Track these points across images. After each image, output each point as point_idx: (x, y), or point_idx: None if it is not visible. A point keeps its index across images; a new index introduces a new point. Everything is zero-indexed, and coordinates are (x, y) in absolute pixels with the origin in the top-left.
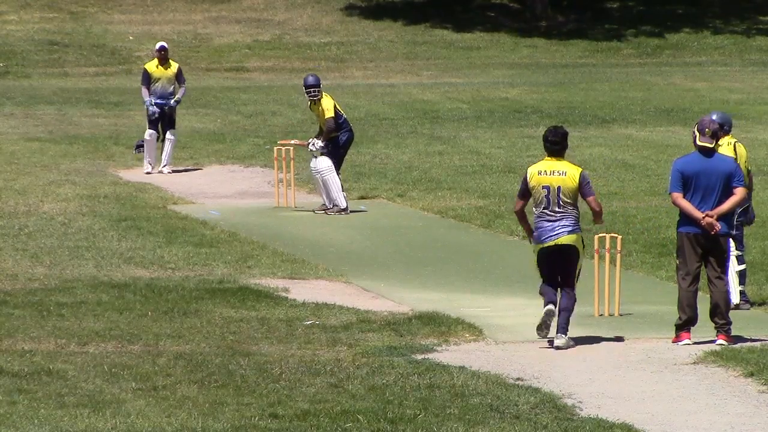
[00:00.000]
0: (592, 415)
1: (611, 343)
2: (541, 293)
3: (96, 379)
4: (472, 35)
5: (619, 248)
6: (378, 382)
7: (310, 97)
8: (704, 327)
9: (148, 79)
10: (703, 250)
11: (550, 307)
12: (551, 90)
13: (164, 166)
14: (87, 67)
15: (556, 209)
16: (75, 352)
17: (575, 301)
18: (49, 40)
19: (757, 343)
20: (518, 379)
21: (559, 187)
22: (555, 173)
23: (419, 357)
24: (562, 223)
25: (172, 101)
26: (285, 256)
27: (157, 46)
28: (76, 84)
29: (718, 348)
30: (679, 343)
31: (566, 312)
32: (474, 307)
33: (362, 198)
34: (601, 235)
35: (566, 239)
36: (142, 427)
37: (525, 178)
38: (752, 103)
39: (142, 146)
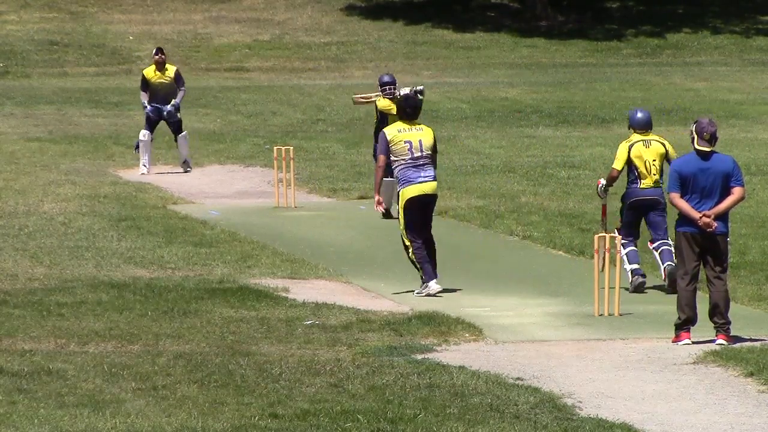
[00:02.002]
0: (592, 415)
1: (611, 343)
2: (420, 257)
3: (96, 379)
4: (472, 35)
5: (618, 248)
6: (378, 382)
7: (385, 94)
8: (704, 327)
9: (146, 85)
10: (702, 249)
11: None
12: (551, 90)
13: (183, 162)
14: (87, 67)
15: (420, 159)
16: (75, 352)
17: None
18: (49, 40)
19: (757, 343)
20: (518, 378)
21: (420, 140)
22: (413, 130)
23: (419, 357)
24: (428, 170)
25: (168, 106)
26: (285, 256)
27: (154, 50)
28: (76, 84)
29: (717, 348)
30: (679, 343)
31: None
32: (474, 307)
33: (362, 198)
34: (601, 234)
35: (433, 185)
36: (142, 427)
37: (384, 139)
38: (752, 103)
39: None
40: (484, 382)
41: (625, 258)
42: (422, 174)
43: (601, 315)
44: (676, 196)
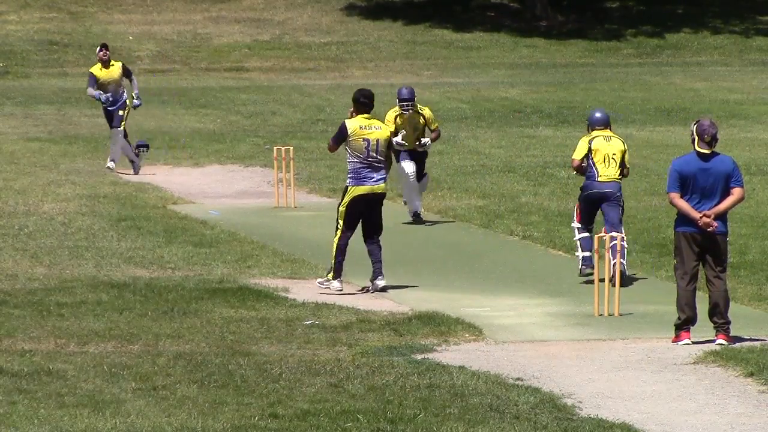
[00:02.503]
0: (592, 415)
1: (611, 343)
2: (342, 246)
3: (96, 379)
4: (472, 35)
5: (618, 248)
6: (378, 382)
7: (402, 110)
8: (704, 327)
9: (94, 82)
10: (701, 249)
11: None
12: (551, 90)
13: (111, 161)
14: (87, 67)
15: (375, 159)
16: (75, 352)
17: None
18: (49, 40)
19: (757, 343)
20: (518, 379)
21: (377, 140)
22: (372, 128)
23: (419, 357)
24: (381, 172)
25: (135, 101)
26: (285, 256)
27: (98, 48)
28: (76, 84)
29: (717, 348)
30: (679, 342)
31: (381, 258)
32: (474, 307)
33: None
34: (601, 234)
35: (383, 186)
36: (142, 427)
37: (345, 129)
38: (752, 103)
39: (143, 146)
40: (484, 382)
41: (578, 243)
42: (376, 175)
43: (601, 315)
44: (676, 196)
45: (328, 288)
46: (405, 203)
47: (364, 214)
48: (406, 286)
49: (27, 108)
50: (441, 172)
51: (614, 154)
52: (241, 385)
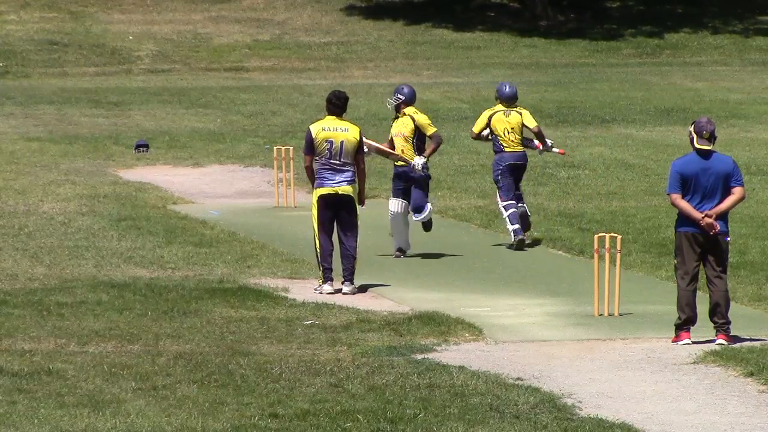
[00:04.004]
0: (592, 415)
1: (611, 343)
2: (324, 252)
3: (96, 379)
4: (472, 35)
5: (618, 248)
6: (378, 382)
7: (393, 100)
8: (704, 327)
9: None
10: (702, 249)
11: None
12: (551, 90)
13: None
14: (87, 67)
15: (338, 162)
16: (75, 352)
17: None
18: (49, 40)
19: (757, 343)
20: (518, 379)
21: (342, 142)
22: (338, 129)
23: (419, 357)
24: (344, 174)
25: None
26: (285, 256)
27: None
28: (76, 84)
29: (717, 348)
30: (679, 342)
31: (353, 263)
32: (474, 307)
33: None
34: (601, 234)
35: (347, 189)
36: (141, 427)
37: (309, 135)
38: (752, 103)
39: (144, 146)
40: (484, 382)
41: (507, 220)
42: (338, 177)
43: (601, 315)
44: (677, 197)
45: (322, 292)
46: (391, 235)
47: (334, 216)
48: (406, 286)
49: (27, 108)
50: (441, 171)
51: (512, 127)
52: (241, 385)
